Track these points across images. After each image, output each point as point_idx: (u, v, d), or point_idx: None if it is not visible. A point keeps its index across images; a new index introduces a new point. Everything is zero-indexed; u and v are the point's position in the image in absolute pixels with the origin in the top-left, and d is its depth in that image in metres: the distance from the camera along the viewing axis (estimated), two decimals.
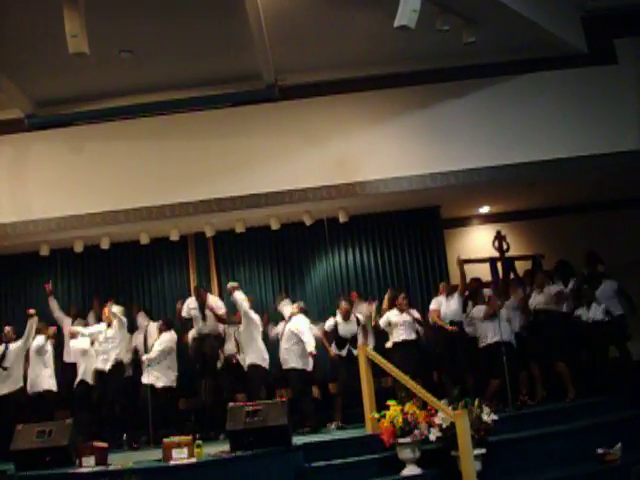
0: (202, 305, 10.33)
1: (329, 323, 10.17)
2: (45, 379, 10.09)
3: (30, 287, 12.47)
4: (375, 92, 10.39)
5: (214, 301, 10.59)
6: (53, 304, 11.26)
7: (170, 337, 10.20)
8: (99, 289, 12.23)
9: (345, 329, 10.04)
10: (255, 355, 9.80)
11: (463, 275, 10.20)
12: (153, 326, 10.62)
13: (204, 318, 10.31)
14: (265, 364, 9.87)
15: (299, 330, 9.70)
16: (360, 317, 10.29)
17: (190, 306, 10.44)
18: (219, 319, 10.31)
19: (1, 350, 10.02)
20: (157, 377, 9.92)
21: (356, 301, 10.84)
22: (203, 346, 10.30)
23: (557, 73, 10.38)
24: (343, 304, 10.19)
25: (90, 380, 10.22)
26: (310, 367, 9.75)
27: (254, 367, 9.78)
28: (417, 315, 10.33)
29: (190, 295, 10.88)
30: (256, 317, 9.98)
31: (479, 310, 9.89)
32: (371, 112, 10.33)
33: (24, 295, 12.43)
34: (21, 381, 9.96)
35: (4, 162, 10.52)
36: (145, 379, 9.98)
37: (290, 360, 9.74)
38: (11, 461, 7.41)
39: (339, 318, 10.12)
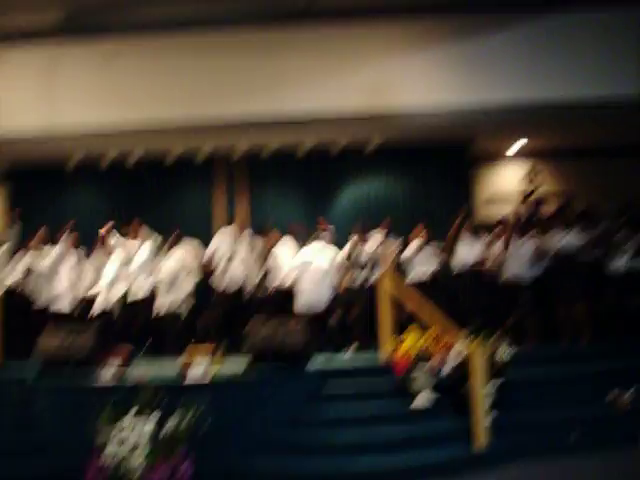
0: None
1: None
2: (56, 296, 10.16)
3: (55, 202, 12.58)
4: (415, 18, 10.13)
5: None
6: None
7: (179, 256, 10.19)
8: (123, 207, 12.35)
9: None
10: None
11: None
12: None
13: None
14: None
15: None
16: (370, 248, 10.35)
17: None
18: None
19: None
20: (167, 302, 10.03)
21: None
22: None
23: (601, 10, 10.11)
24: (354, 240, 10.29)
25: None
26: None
27: None
28: (435, 250, 10.38)
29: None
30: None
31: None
32: (409, 39, 10.12)
33: (50, 207, 12.54)
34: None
35: (35, 72, 10.48)
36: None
37: None
38: (38, 361, 7.62)
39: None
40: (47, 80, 10.37)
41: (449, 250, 10.12)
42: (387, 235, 10.42)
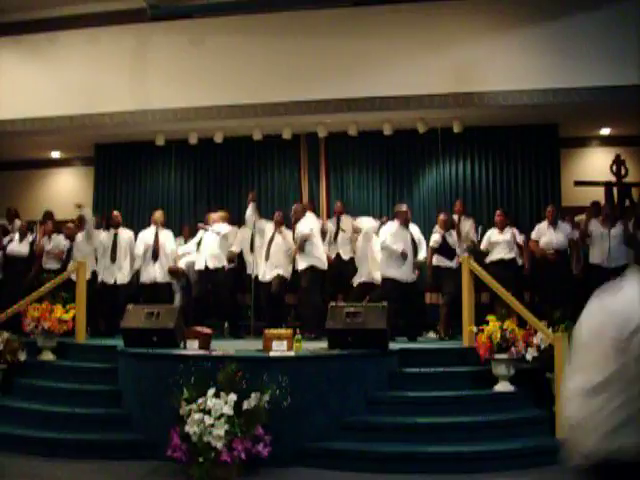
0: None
1: (435, 238, 10.06)
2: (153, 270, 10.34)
3: (145, 175, 12.92)
4: None
5: None
6: None
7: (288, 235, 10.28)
8: (211, 183, 12.62)
9: (451, 240, 9.98)
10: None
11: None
12: (263, 222, 10.67)
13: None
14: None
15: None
16: (463, 233, 10.18)
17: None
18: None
19: (112, 237, 10.45)
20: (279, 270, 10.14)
21: (459, 213, 10.69)
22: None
23: None
24: (442, 216, 10.15)
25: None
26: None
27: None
28: (518, 237, 10.13)
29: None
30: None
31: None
32: (496, 19, 9.94)
33: (139, 182, 12.91)
34: (129, 274, 10.41)
35: (126, 51, 10.74)
36: (263, 275, 10.19)
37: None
38: (121, 338, 7.83)
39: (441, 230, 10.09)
40: (136, 61, 10.62)
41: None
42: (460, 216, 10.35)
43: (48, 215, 11.47)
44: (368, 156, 12.25)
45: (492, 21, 9.98)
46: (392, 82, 9.98)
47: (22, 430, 7.10)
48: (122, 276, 10.27)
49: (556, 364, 6.79)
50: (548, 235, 9.79)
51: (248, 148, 12.34)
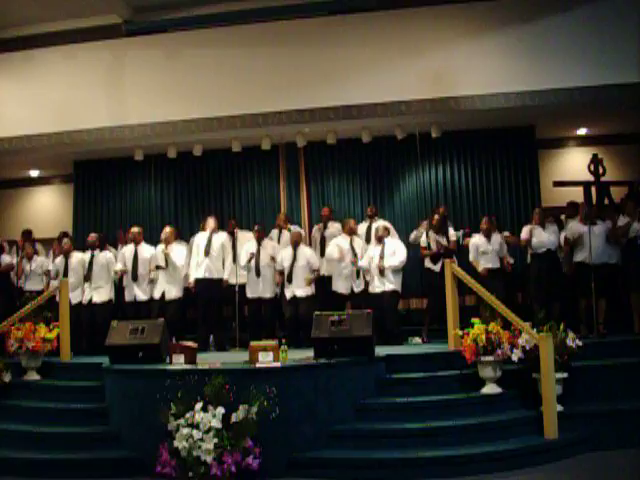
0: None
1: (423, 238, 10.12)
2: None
3: (125, 191, 12.88)
4: (476, 3, 10.03)
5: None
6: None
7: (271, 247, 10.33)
8: (191, 196, 12.58)
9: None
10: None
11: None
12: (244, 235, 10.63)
13: None
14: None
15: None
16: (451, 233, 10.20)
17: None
18: None
19: (87, 259, 10.29)
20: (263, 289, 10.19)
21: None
22: None
23: None
24: (435, 217, 10.17)
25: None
26: None
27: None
28: (507, 234, 10.18)
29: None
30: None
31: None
32: (471, 25, 10.00)
33: (119, 198, 12.87)
34: (111, 293, 10.28)
35: (102, 67, 10.73)
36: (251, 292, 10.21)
37: None
38: (106, 355, 7.78)
39: (430, 232, 10.11)
40: (113, 77, 10.61)
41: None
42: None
43: (26, 234, 11.39)
44: (347, 164, 12.27)
45: (466, 26, 10.03)
46: (368, 89, 10.02)
47: (9, 452, 7.03)
48: (99, 296, 10.14)
49: (542, 364, 6.83)
50: (538, 236, 9.75)
51: (227, 160, 12.36)
